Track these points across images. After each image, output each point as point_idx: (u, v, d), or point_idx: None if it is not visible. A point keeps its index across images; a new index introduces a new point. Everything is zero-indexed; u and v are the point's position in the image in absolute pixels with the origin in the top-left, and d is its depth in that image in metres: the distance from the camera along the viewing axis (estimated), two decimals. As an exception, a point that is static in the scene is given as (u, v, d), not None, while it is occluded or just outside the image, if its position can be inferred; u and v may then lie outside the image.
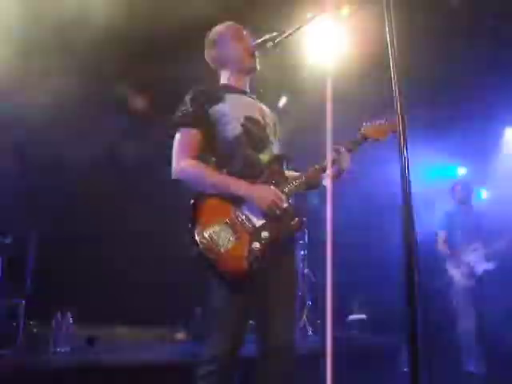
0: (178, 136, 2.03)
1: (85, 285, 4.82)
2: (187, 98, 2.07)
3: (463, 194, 4.95)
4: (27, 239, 4.14)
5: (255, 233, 1.87)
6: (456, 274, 4.71)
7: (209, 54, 2.28)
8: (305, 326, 5.45)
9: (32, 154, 5.06)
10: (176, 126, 2.04)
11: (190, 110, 2.02)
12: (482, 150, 6.81)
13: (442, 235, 4.87)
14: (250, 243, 1.85)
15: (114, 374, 3.10)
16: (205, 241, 1.81)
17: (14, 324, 3.50)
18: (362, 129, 2.21)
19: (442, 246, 4.86)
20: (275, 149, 2.12)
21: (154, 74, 4.96)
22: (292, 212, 1.95)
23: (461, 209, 4.93)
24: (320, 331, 5.37)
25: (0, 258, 3.78)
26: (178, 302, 4.97)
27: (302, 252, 6.05)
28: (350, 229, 5.97)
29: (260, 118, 2.12)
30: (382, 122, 2.21)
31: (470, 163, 7.36)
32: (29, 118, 4.64)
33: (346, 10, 4.58)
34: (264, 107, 2.22)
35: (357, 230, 6.42)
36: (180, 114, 2.04)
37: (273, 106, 2.36)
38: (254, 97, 2.24)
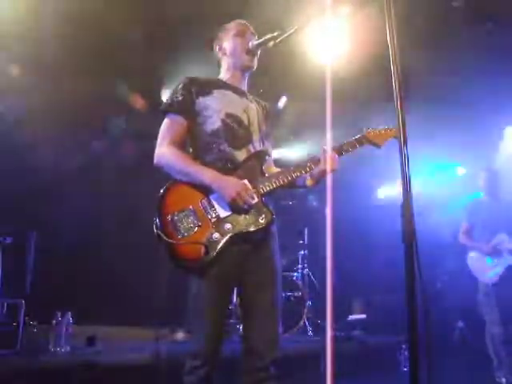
0: (164, 122, 2.08)
1: (85, 285, 4.82)
2: (178, 86, 2.11)
3: (489, 185, 4.50)
4: (27, 239, 4.13)
5: (218, 223, 1.88)
6: (477, 269, 4.29)
7: (214, 48, 2.33)
8: (305, 325, 5.45)
9: (32, 155, 5.06)
10: (163, 112, 2.08)
11: (180, 98, 2.06)
12: (481, 150, 6.81)
13: (464, 226, 4.49)
14: (211, 233, 1.86)
15: (114, 374, 3.10)
16: (166, 224, 1.85)
17: (14, 324, 3.50)
18: (364, 132, 2.19)
19: (462, 237, 4.47)
20: (258, 148, 2.11)
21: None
22: (261, 209, 1.94)
23: (486, 200, 4.50)
24: (320, 331, 5.37)
25: (0, 258, 3.78)
26: (177, 302, 4.97)
27: (302, 252, 6.06)
28: (351, 228, 5.98)
29: (244, 117, 2.12)
30: (386, 127, 2.20)
31: (469, 163, 7.36)
32: (28, 121, 4.65)
33: (346, 10, 4.60)
34: (253, 106, 2.21)
35: (357, 229, 6.44)
36: (169, 101, 2.08)
37: (269, 106, 2.36)
38: (247, 95, 2.24)
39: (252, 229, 1.91)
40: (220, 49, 2.27)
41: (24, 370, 2.92)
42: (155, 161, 2.03)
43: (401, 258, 1.34)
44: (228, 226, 1.88)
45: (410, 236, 1.34)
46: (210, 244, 1.84)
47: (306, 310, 5.48)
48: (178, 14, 4.42)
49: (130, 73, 5.11)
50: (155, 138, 2.08)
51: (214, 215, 1.89)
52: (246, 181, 1.95)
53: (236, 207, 1.90)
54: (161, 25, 4.60)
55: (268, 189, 1.98)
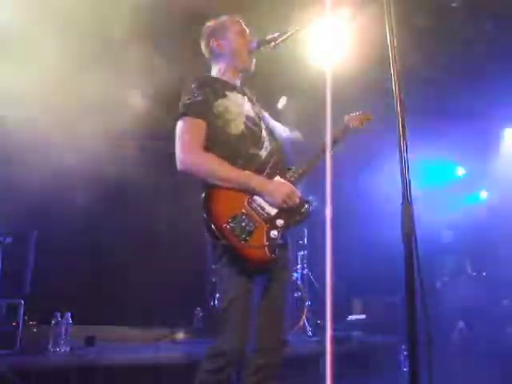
0: (183, 125, 1.94)
1: (84, 285, 4.82)
2: (193, 85, 1.99)
3: None
4: (27, 239, 4.13)
5: (271, 221, 1.90)
6: None
7: (206, 43, 2.21)
8: (304, 326, 5.44)
9: (32, 156, 5.05)
10: (182, 115, 1.95)
11: (198, 98, 1.95)
12: (481, 150, 6.81)
13: None
14: (268, 231, 1.87)
15: (113, 374, 3.10)
16: (226, 233, 1.82)
17: (14, 324, 3.49)
18: (345, 120, 2.30)
19: None
20: (268, 143, 2.12)
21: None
22: (301, 200, 1.99)
23: None
24: (320, 331, 5.36)
25: (0, 257, 3.77)
26: (178, 302, 4.97)
27: (302, 252, 6.05)
28: (351, 228, 5.98)
29: (255, 116, 2.11)
30: (358, 112, 2.33)
31: (469, 163, 7.36)
32: (29, 122, 4.63)
33: (346, 11, 4.60)
34: (253, 104, 2.20)
35: (357, 229, 6.44)
36: (187, 102, 1.95)
37: (266, 105, 2.36)
38: (245, 94, 2.22)
39: (297, 219, 1.97)
40: (218, 46, 2.17)
41: (24, 370, 2.92)
42: (182, 167, 1.92)
43: (401, 258, 1.34)
44: (280, 221, 1.91)
45: (409, 236, 1.34)
46: (271, 242, 1.86)
47: (305, 310, 5.48)
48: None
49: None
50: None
51: (265, 214, 1.90)
52: (282, 179, 1.98)
53: (285, 208, 1.93)
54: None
55: (298, 178, 2.01)
